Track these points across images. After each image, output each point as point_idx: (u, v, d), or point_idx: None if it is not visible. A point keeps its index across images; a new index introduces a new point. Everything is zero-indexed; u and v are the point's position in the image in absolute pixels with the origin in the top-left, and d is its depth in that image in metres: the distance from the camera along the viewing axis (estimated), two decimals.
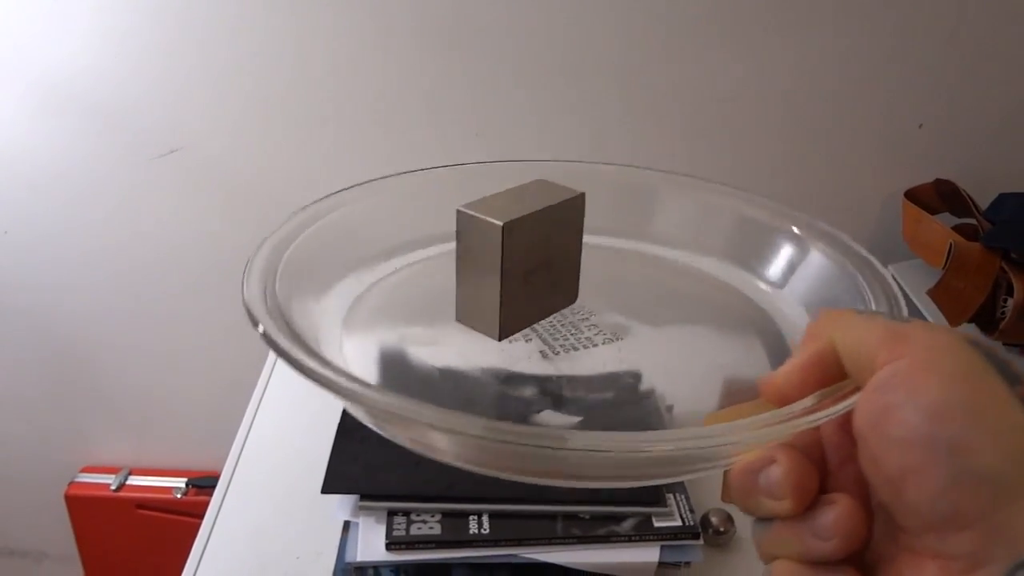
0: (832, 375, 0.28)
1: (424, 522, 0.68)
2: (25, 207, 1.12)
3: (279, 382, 0.96)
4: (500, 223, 0.39)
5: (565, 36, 0.97)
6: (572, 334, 0.46)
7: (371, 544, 0.67)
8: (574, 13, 0.96)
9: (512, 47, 0.98)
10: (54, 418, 1.31)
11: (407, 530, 0.67)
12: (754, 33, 1.00)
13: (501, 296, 0.40)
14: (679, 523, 0.69)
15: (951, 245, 0.92)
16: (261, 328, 0.36)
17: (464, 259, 0.41)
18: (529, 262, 0.41)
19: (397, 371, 0.44)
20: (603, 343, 0.46)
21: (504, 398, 0.45)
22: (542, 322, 0.45)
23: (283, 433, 0.88)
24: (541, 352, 0.44)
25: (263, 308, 0.37)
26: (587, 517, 0.68)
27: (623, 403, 0.81)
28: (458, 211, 0.40)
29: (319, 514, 0.74)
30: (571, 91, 1.01)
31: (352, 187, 0.47)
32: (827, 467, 0.29)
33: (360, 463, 0.72)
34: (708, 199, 0.48)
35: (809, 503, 0.27)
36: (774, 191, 0.51)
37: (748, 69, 1.02)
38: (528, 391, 0.43)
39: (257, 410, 0.92)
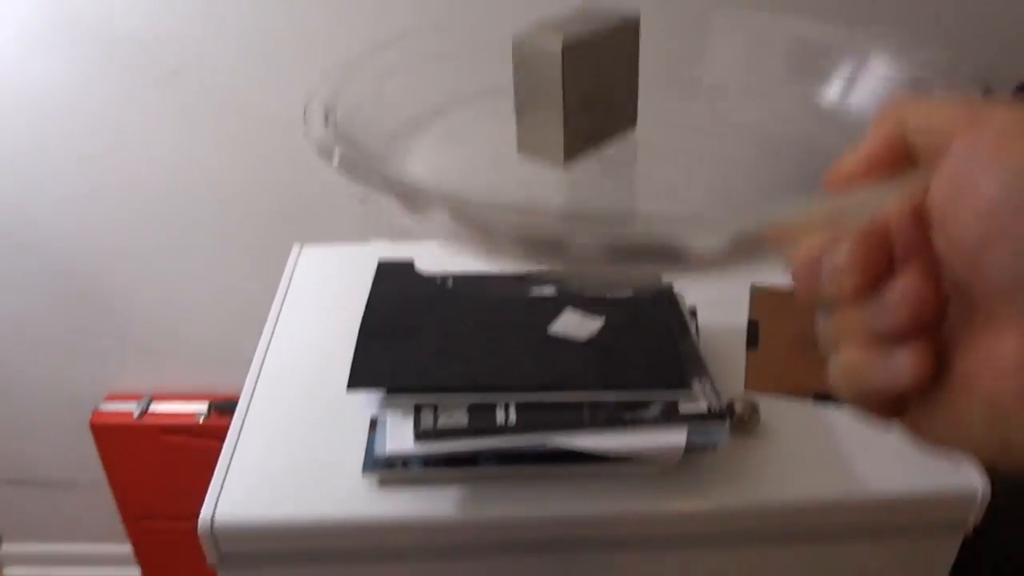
0: (901, 161, 0.27)
1: (451, 414, 0.68)
2: (28, 138, 1.11)
3: (295, 301, 0.97)
4: (558, 48, 0.38)
5: None
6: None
7: (400, 437, 0.67)
8: None
9: None
10: (76, 349, 1.32)
11: (435, 422, 0.67)
12: None
13: (564, 121, 0.39)
14: (705, 407, 0.69)
15: None
16: (336, 159, 0.34)
17: (522, 89, 0.41)
18: (588, 86, 0.40)
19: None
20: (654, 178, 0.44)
21: None
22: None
23: (302, 347, 0.89)
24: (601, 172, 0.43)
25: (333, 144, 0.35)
26: (613, 404, 0.69)
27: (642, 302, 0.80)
28: (513, 40, 0.39)
29: (343, 418, 0.75)
30: None
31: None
32: (894, 257, 0.27)
33: (384, 360, 0.72)
34: (761, 22, 0.46)
35: (876, 280, 0.26)
36: None
37: None
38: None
39: (274, 329, 0.92)
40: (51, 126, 1.10)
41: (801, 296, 0.28)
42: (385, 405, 0.69)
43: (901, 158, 0.27)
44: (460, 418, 0.68)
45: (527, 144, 0.43)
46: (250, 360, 0.87)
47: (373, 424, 0.71)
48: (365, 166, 0.33)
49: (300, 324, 0.93)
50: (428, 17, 1.01)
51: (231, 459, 0.76)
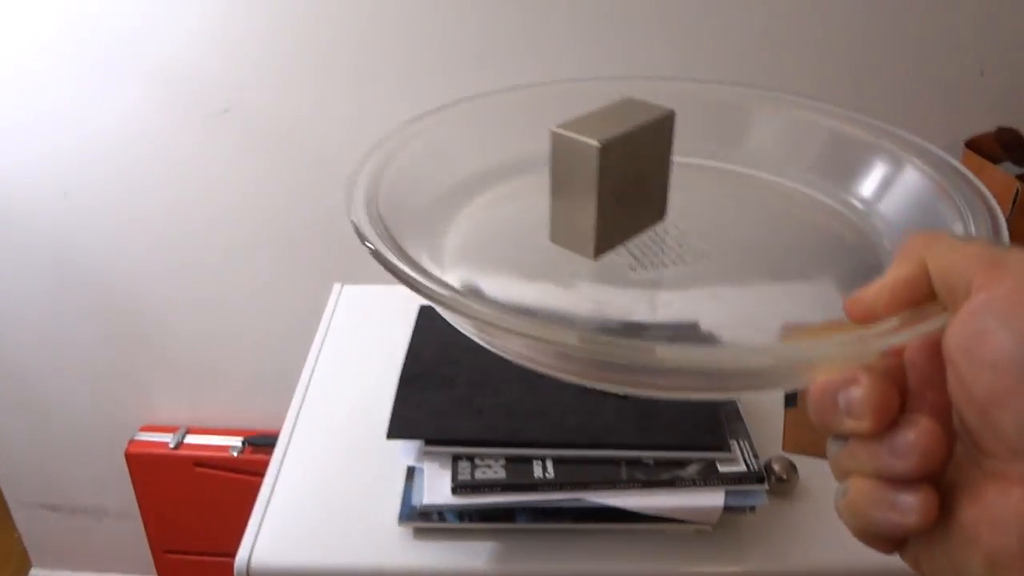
0: (922, 298, 0.27)
1: (488, 467, 0.68)
2: (85, 169, 1.14)
3: (335, 340, 0.97)
4: (596, 144, 0.39)
5: None
6: (657, 252, 0.45)
7: (436, 488, 0.67)
8: None
9: None
10: (114, 378, 1.34)
11: (472, 474, 0.67)
12: None
13: (597, 215, 0.40)
14: (743, 468, 0.69)
15: (1017, 191, 0.90)
16: (371, 246, 0.37)
17: (558, 180, 0.42)
18: (622, 181, 0.41)
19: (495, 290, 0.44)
20: (687, 261, 0.45)
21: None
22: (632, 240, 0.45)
23: (341, 389, 0.89)
24: (630, 266, 0.44)
25: (371, 228, 0.38)
26: (651, 462, 0.68)
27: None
28: (552, 132, 0.40)
29: (380, 464, 0.75)
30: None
31: (440, 108, 0.48)
32: (908, 391, 0.28)
33: (424, 409, 0.73)
34: (798, 115, 0.47)
35: (889, 424, 0.27)
36: None
37: (799, 4, 1.00)
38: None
39: (315, 365, 0.93)
40: (104, 158, 1.13)
41: (815, 422, 0.28)
42: (423, 455, 0.69)
43: (923, 295, 0.27)
44: (497, 471, 0.68)
45: (560, 234, 0.44)
46: (286, 396, 0.88)
47: (411, 473, 0.72)
48: (398, 265, 0.35)
49: (340, 364, 0.93)
50: (466, 56, 1.03)
51: (268, 501, 0.76)
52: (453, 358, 0.79)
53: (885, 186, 0.42)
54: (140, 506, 1.40)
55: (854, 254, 0.41)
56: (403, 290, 0.33)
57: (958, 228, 0.35)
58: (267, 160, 1.12)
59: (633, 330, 0.41)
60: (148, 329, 1.29)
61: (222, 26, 1.02)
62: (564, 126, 0.40)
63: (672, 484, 0.67)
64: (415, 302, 0.90)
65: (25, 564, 1.62)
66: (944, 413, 0.27)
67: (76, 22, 1.03)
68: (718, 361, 0.30)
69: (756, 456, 0.70)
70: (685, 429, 0.71)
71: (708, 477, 0.68)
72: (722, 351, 0.30)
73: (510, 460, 0.69)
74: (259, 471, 1.32)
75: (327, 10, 1.00)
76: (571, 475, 0.67)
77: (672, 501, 0.67)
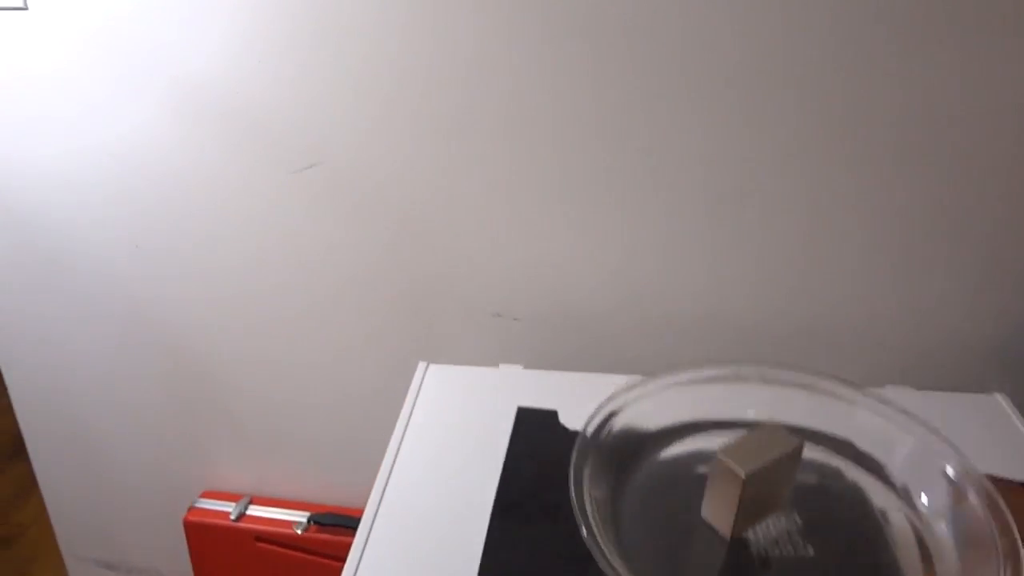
0: None
1: None
2: (157, 219, 1.07)
3: (419, 424, 0.88)
4: (742, 475, 0.58)
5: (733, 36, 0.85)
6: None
7: None
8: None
9: (653, 49, 0.87)
10: (178, 439, 1.27)
11: None
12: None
13: (736, 514, 0.59)
14: None
15: None
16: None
17: (715, 483, 0.61)
18: (758, 493, 0.60)
19: None
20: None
21: None
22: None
23: (424, 480, 0.80)
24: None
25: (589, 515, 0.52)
26: None
27: None
28: (716, 456, 0.59)
29: (465, 559, 0.65)
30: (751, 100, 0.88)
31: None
32: None
33: (521, 546, 0.61)
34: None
35: None
36: None
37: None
38: None
39: (399, 447, 0.84)
40: (175, 207, 1.06)
41: None
42: None
43: None
44: None
45: (709, 514, 0.63)
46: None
47: None
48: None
49: (424, 450, 0.84)
50: (545, 116, 0.93)
51: None
52: (554, 481, 0.68)
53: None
54: (196, 575, 1.31)
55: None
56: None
57: None
58: (344, 216, 1.03)
59: None
60: (215, 389, 1.21)
61: (302, 76, 0.94)
62: (724, 451, 0.59)
63: None
64: (503, 386, 0.82)
65: None
66: None
67: (156, 65, 0.97)
68: None
69: None
70: None
71: None
72: None
73: None
74: (322, 551, 1.23)
75: (413, 59, 0.92)
76: None
77: None
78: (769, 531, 0.62)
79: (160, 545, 1.37)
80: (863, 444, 0.68)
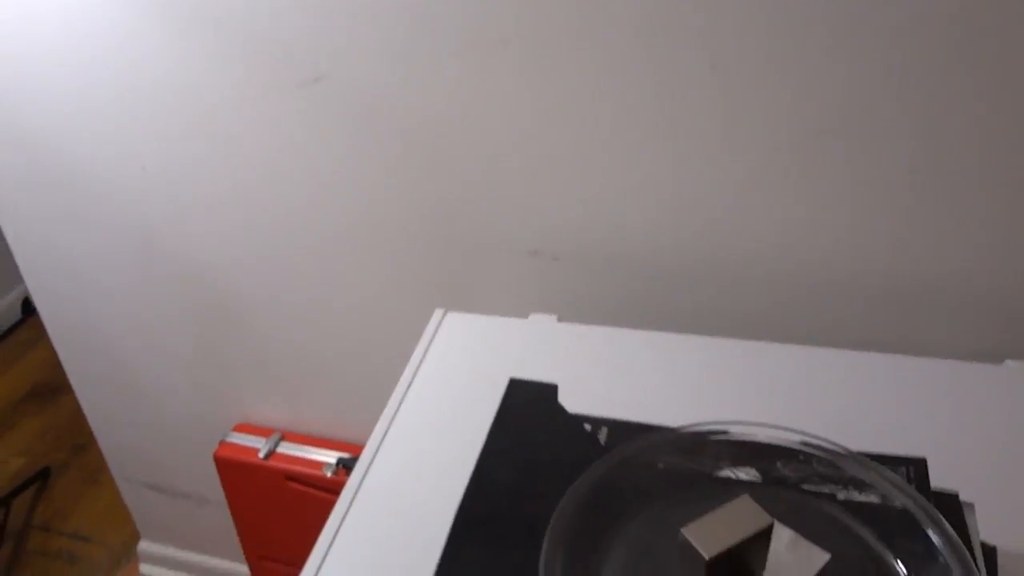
0: None
1: None
2: (163, 141, 0.96)
3: (428, 376, 0.77)
4: (706, 558, 0.45)
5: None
6: None
7: None
8: None
9: None
10: (209, 371, 1.20)
11: None
12: None
13: None
14: None
15: None
16: None
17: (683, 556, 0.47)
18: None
19: None
20: None
21: None
22: None
23: (435, 414, 0.72)
24: None
25: None
26: None
27: None
28: (681, 533, 0.46)
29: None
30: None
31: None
32: None
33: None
34: None
35: None
36: None
37: None
38: None
39: (406, 393, 0.75)
40: (182, 128, 0.95)
41: None
42: None
43: None
44: None
45: None
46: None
47: None
48: None
49: (430, 401, 0.73)
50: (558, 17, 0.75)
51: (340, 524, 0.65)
52: (542, 479, 0.55)
53: None
54: (231, 508, 1.26)
55: None
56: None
57: None
58: (371, 146, 0.90)
59: None
60: (239, 326, 1.12)
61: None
62: (691, 530, 0.46)
63: None
64: (532, 340, 0.74)
65: (136, 536, 1.56)
66: None
67: None
68: None
69: None
70: None
71: None
72: None
73: None
74: None
75: None
76: None
77: None
78: None
79: (201, 472, 1.33)
80: None
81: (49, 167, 1.05)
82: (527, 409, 0.63)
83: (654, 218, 0.83)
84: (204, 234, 1.04)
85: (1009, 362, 0.74)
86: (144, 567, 1.57)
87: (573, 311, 0.90)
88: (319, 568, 0.63)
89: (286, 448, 1.19)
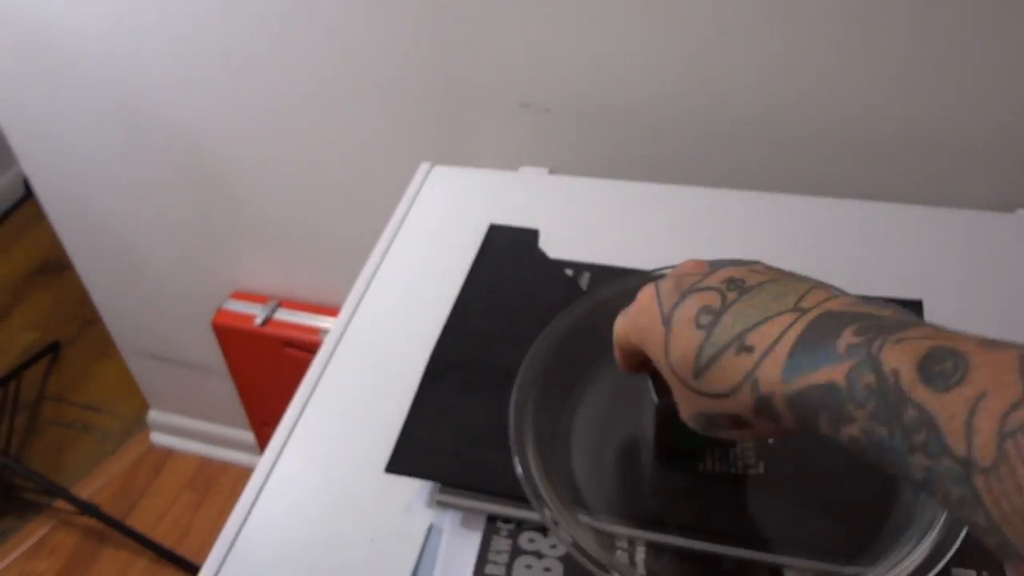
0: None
1: (537, 540, 0.43)
2: (173, 30, 0.91)
3: (411, 232, 0.74)
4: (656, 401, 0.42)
5: None
6: None
7: (457, 565, 0.43)
8: None
9: None
10: (203, 238, 1.18)
11: (513, 551, 0.42)
12: None
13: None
14: None
15: None
16: None
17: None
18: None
19: None
20: None
21: None
22: None
23: (417, 264, 0.69)
24: None
25: None
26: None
27: None
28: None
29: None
30: None
31: None
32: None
33: (454, 425, 0.47)
34: None
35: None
36: None
37: None
38: None
39: (394, 237, 0.74)
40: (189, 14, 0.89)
41: None
42: (440, 505, 0.45)
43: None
44: (555, 547, 0.42)
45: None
46: None
47: (429, 533, 0.47)
48: None
49: (413, 254, 0.71)
50: None
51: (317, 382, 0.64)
52: (518, 323, 0.52)
53: None
54: (232, 376, 1.27)
55: None
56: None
57: None
58: (377, 12, 0.84)
59: None
60: (230, 191, 1.09)
61: None
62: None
63: None
64: (521, 194, 0.71)
65: (145, 406, 1.58)
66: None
67: None
68: None
69: None
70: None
71: None
72: None
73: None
74: None
75: None
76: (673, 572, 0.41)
77: None
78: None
79: (202, 342, 1.33)
80: None
81: (22, 24, 1.00)
82: (507, 254, 0.60)
83: (647, 67, 0.78)
84: (186, 92, 1.00)
85: (1021, 211, 0.70)
86: (154, 435, 1.60)
87: (566, 164, 0.86)
88: (296, 420, 0.62)
89: (283, 315, 1.18)
